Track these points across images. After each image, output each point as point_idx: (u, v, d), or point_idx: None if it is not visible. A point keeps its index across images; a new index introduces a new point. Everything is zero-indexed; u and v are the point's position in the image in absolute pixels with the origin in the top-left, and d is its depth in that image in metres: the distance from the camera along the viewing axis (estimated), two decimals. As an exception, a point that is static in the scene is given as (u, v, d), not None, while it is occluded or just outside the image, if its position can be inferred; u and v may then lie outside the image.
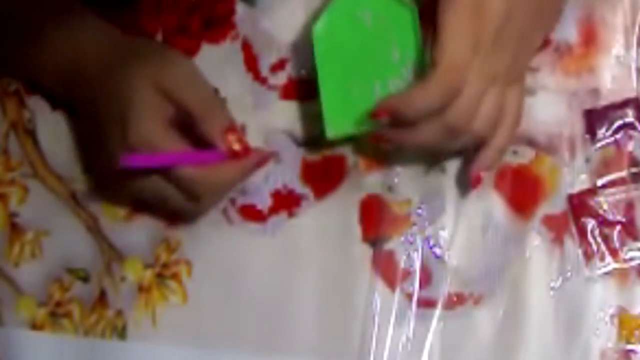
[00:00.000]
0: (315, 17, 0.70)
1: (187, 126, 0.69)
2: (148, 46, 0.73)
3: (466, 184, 0.70)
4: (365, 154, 0.72)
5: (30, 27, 0.72)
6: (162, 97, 0.68)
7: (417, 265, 0.71)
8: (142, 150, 0.67)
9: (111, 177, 0.71)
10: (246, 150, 0.69)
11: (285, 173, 0.73)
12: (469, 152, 0.69)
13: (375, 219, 0.72)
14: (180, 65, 0.70)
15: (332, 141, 0.71)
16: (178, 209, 0.70)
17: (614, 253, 0.69)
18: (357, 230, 0.72)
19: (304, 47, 0.72)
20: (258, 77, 0.75)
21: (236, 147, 0.69)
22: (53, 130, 0.78)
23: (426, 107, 0.64)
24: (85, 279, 0.76)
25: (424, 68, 0.67)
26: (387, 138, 0.68)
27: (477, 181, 0.69)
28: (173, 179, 0.68)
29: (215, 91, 0.73)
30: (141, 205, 0.74)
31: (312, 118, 0.73)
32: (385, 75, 0.69)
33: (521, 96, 0.68)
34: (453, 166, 0.71)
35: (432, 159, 0.71)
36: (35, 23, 0.72)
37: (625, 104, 0.70)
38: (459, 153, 0.71)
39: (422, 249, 0.71)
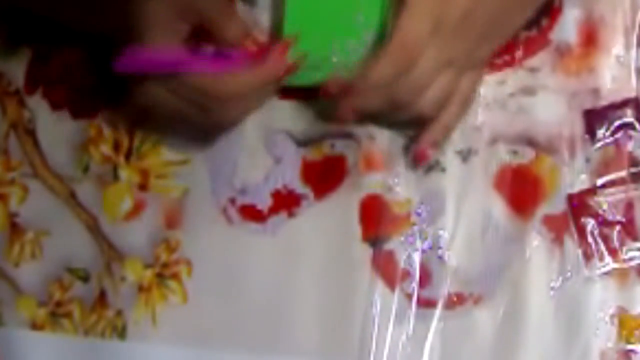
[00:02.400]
0: None
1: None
2: None
3: (413, 160, 0.71)
4: (365, 154, 0.72)
5: None
6: (177, 13, 0.67)
7: (417, 265, 0.71)
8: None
9: (127, 106, 0.71)
10: (264, 51, 0.69)
11: (285, 173, 0.73)
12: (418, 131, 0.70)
13: (375, 219, 0.72)
14: None
15: (286, 89, 0.71)
16: (199, 124, 0.70)
17: (613, 253, 0.69)
18: (357, 230, 0.72)
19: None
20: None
21: (252, 46, 0.68)
22: (53, 130, 0.78)
23: (375, 81, 0.65)
24: (85, 279, 0.76)
25: (383, 37, 0.67)
26: (335, 96, 0.68)
27: (423, 157, 0.70)
28: (181, 92, 0.67)
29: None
30: (165, 130, 0.74)
31: (312, 118, 0.73)
32: (345, 35, 0.70)
33: (477, 81, 0.69)
34: (453, 166, 0.71)
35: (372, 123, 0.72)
36: None
37: (625, 104, 0.70)
38: (458, 153, 0.71)
39: (422, 249, 0.71)
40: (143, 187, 0.76)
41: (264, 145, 0.74)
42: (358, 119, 0.69)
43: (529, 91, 0.71)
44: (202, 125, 0.71)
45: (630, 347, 0.68)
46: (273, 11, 0.74)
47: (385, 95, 0.66)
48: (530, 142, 0.71)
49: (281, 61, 0.69)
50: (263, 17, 0.75)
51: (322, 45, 0.70)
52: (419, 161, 0.70)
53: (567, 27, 0.71)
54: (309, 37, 0.70)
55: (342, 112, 0.67)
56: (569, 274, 0.69)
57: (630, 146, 0.70)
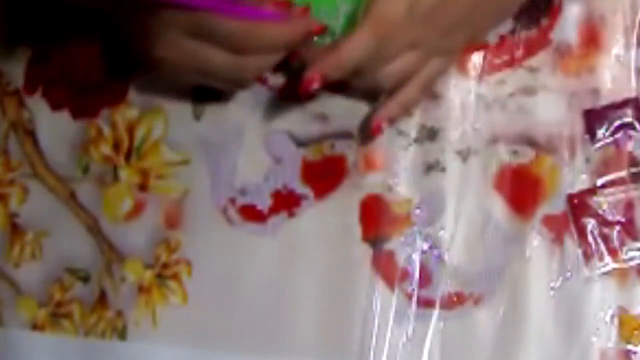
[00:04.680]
0: None
1: None
2: None
3: (366, 131, 0.71)
4: (365, 154, 0.72)
5: None
6: None
7: (417, 265, 0.71)
8: None
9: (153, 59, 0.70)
10: (289, 11, 0.68)
11: (285, 173, 0.73)
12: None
13: (375, 219, 0.72)
14: None
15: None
16: (223, 71, 0.68)
17: (613, 253, 0.69)
18: (357, 230, 0.72)
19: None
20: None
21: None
22: (53, 130, 0.78)
23: (348, 55, 0.65)
24: (85, 279, 0.76)
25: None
26: (307, 60, 0.68)
27: (377, 129, 0.70)
28: (214, 38, 0.67)
29: None
30: (186, 86, 0.75)
31: (313, 118, 0.73)
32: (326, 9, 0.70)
33: (442, 69, 0.70)
34: (453, 166, 0.71)
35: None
36: None
37: (625, 104, 0.70)
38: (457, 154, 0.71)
39: (422, 249, 0.71)
40: (143, 187, 0.76)
41: (264, 145, 0.74)
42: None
43: (529, 91, 0.71)
44: (227, 78, 0.70)
45: (630, 347, 0.68)
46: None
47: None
48: (530, 142, 0.71)
49: (313, 28, 0.69)
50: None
51: (330, 13, 0.70)
52: (373, 133, 0.71)
53: (567, 27, 0.71)
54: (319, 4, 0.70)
55: (309, 78, 0.66)
56: (569, 274, 0.69)
57: (630, 146, 0.70)
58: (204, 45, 0.67)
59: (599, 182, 0.70)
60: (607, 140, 0.70)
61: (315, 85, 0.66)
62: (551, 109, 0.71)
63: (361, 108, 0.72)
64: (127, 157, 0.76)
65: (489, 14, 0.69)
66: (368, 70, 0.67)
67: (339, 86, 0.71)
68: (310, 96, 0.70)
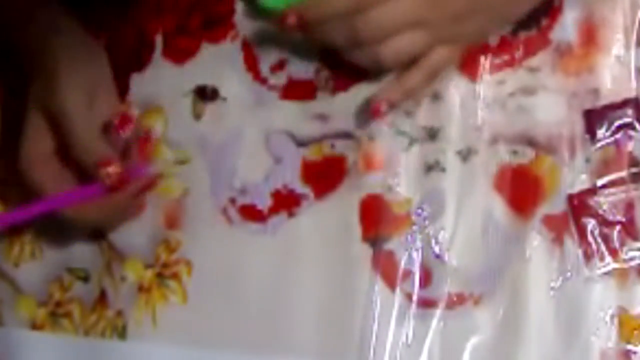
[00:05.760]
0: None
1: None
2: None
3: (366, 114, 0.70)
4: (365, 154, 0.73)
5: None
6: (50, 123, 0.71)
7: (417, 265, 0.71)
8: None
9: None
10: (122, 182, 0.71)
11: (285, 173, 0.73)
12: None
13: (375, 218, 0.72)
14: (73, 89, 0.71)
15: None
16: None
17: (613, 253, 0.69)
18: (357, 230, 0.72)
19: (304, 47, 0.72)
20: (258, 77, 0.75)
21: (107, 181, 0.70)
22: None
23: (333, 9, 0.66)
24: (85, 278, 0.76)
25: None
26: (294, 27, 0.68)
27: (376, 112, 0.70)
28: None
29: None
30: None
31: (312, 118, 0.73)
32: None
33: (448, 58, 0.69)
34: (453, 166, 0.71)
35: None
36: None
37: (625, 104, 0.70)
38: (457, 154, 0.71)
39: (422, 249, 0.71)
40: (143, 187, 0.76)
41: (264, 145, 0.74)
42: (319, 46, 0.70)
43: (529, 91, 0.71)
44: None
45: (630, 347, 0.68)
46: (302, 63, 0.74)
47: (346, 29, 0.67)
48: (530, 142, 0.71)
49: (142, 183, 0.74)
50: (263, 18, 0.75)
51: None
52: (372, 116, 0.70)
53: (567, 27, 0.71)
54: None
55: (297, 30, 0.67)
56: (569, 274, 0.69)
57: (630, 146, 0.70)
58: None
59: (599, 182, 0.70)
60: (607, 140, 0.70)
61: (294, 23, 0.67)
62: (551, 109, 0.71)
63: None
64: (127, 156, 0.76)
65: (509, 3, 0.69)
66: (368, 36, 0.67)
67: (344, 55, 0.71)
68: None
